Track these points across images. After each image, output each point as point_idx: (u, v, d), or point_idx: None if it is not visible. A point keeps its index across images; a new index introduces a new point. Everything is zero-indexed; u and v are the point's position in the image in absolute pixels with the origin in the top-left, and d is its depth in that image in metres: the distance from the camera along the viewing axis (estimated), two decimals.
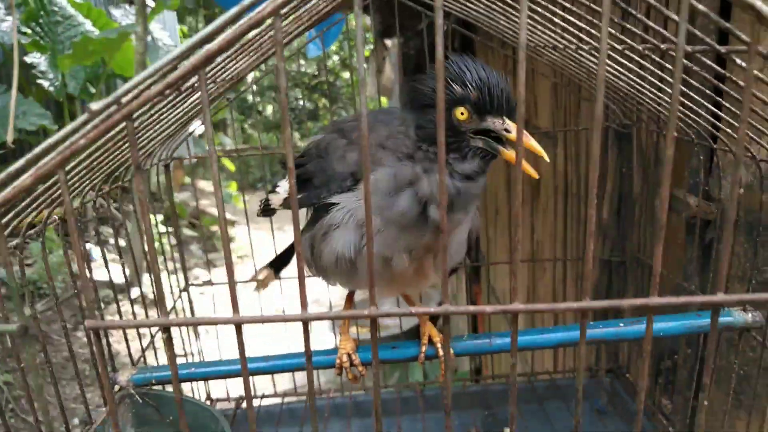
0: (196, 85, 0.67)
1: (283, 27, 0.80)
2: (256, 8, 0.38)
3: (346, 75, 10.04)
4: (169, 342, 0.44)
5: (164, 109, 0.70)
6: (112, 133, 0.56)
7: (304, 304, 0.43)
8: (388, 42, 3.88)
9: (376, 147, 0.76)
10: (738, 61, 0.59)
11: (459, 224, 0.81)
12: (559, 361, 1.40)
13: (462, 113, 0.69)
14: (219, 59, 0.67)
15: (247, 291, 1.30)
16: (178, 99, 0.68)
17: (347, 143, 0.82)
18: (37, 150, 0.40)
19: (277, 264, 1.10)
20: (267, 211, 0.97)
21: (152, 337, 1.16)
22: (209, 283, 1.46)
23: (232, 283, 0.43)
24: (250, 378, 1.23)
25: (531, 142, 0.67)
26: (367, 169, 0.39)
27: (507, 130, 0.68)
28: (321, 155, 0.87)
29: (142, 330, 1.13)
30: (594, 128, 0.39)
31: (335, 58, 10.24)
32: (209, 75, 0.70)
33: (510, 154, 0.69)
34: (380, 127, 0.78)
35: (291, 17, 0.74)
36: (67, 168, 0.69)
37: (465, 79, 0.68)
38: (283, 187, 0.94)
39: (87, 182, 0.83)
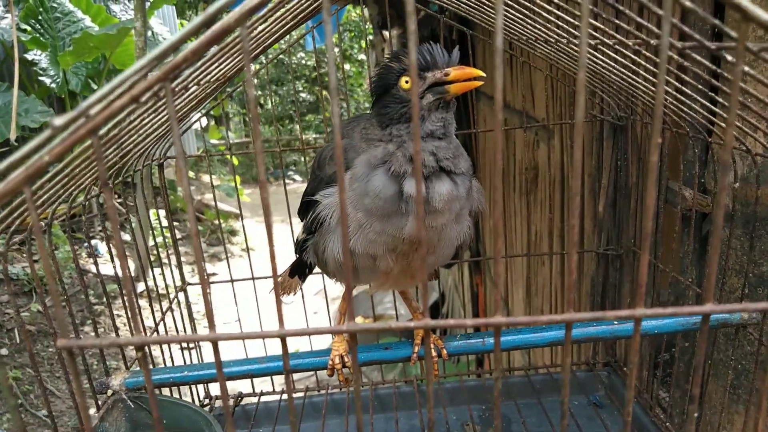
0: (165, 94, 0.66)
1: (267, 27, 0.79)
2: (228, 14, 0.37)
3: (347, 67, 9.98)
4: (144, 360, 0.43)
5: (146, 114, 0.69)
6: (86, 144, 0.55)
7: (281, 321, 0.42)
8: (387, 33, 3.85)
9: (360, 140, 0.82)
10: (729, 57, 0.57)
11: (450, 205, 0.78)
12: (557, 356, 1.40)
13: (406, 81, 0.77)
14: (199, 63, 0.66)
15: (248, 289, 1.30)
16: (159, 104, 0.67)
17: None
18: (1, 166, 0.39)
19: (298, 271, 1.11)
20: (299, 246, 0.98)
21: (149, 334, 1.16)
22: (207, 282, 1.46)
23: (208, 305, 0.42)
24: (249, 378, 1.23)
25: (467, 69, 0.72)
26: (341, 169, 0.39)
27: (446, 75, 0.72)
28: (320, 167, 0.91)
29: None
30: (576, 134, 0.38)
31: (335, 50, 10.13)
32: (189, 78, 0.69)
33: (454, 86, 0.73)
34: (363, 122, 0.84)
35: (272, 18, 0.72)
36: (65, 162, 0.69)
37: (400, 55, 0.79)
38: (300, 228, 0.99)
39: (85, 178, 0.83)
